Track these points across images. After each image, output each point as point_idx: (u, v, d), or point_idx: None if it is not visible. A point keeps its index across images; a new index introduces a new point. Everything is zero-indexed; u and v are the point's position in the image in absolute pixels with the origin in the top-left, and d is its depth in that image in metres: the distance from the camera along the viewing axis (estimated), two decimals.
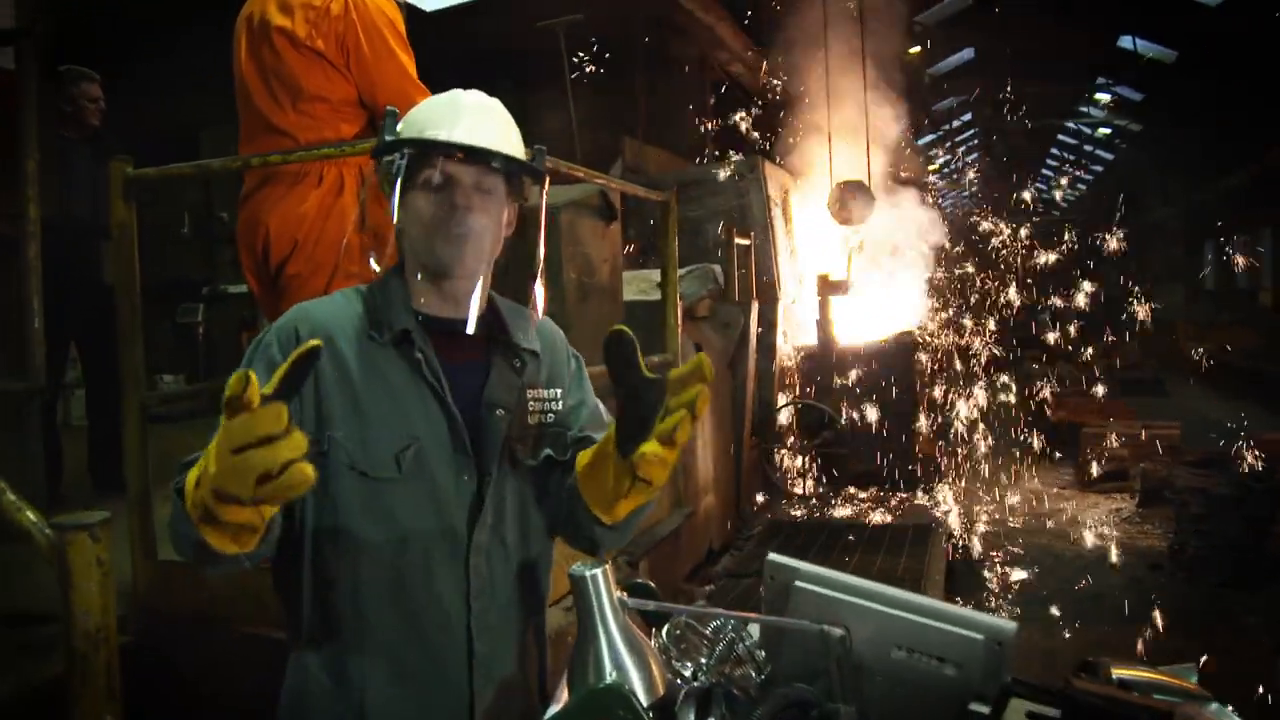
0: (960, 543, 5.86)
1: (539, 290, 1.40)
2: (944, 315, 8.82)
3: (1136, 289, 12.49)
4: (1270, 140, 13.83)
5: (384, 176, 1.36)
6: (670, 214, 3.79)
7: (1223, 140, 16.13)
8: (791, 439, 6.34)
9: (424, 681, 1.31)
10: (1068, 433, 8.84)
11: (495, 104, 1.38)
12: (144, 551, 2.58)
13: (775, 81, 8.98)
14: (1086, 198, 30.09)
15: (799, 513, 5.82)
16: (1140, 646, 4.47)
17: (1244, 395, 12.43)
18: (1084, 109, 21.78)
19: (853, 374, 6.43)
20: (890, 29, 8.83)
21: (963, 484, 7.43)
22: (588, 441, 1.40)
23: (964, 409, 7.93)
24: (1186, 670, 1.44)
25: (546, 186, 1.42)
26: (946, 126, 21.85)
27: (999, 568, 5.75)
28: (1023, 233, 12.98)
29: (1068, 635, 4.58)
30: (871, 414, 6.39)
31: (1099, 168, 28.47)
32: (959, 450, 7.84)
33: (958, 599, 4.83)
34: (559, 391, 1.46)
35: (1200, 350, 12.98)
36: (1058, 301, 13.85)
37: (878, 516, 5.59)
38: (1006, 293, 11.75)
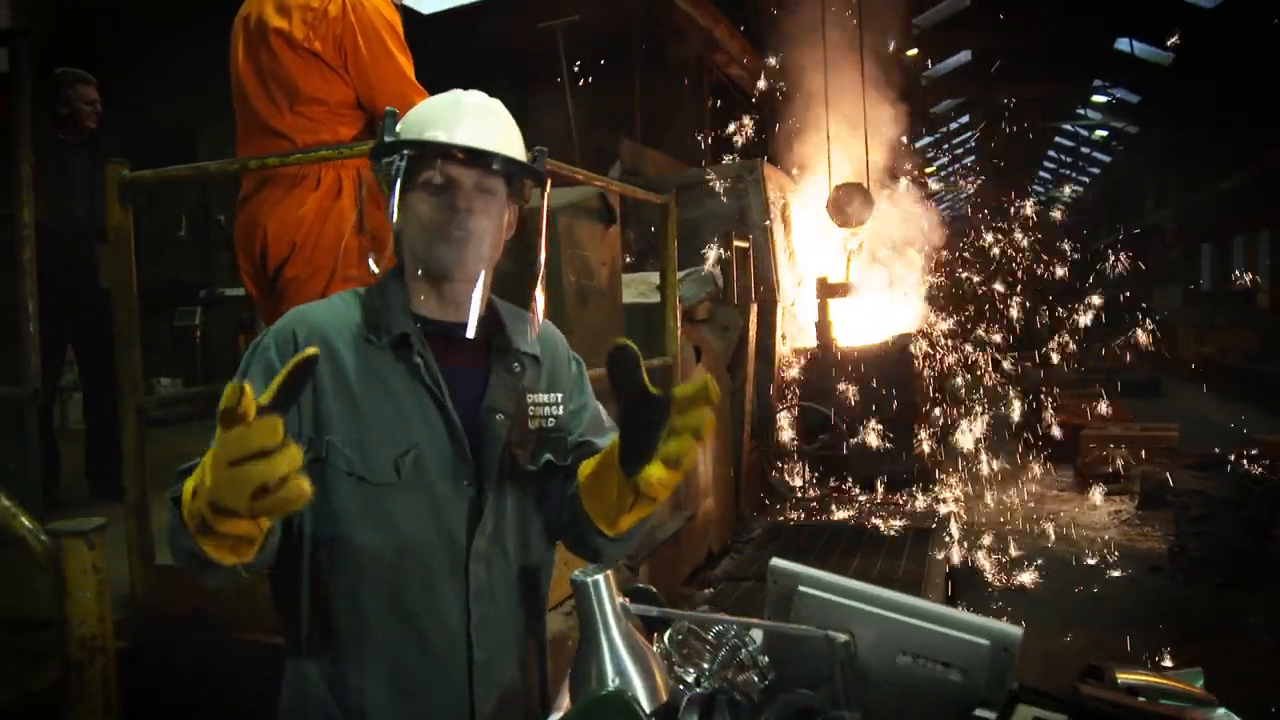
0: (960, 545, 5.85)
1: (539, 294, 1.38)
2: (943, 317, 8.81)
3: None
4: (1269, 141, 13.85)
5: (383, 178, 1.34)
6: (669, 217, 3.78)
7: (1221, 142, 16.16)
8: (791, 442, 6.33)
9: (424, 690, 1.30)
10: (1067, 435, 8.83)
11: (496, 104, 1.37)
12: (141, 556, 2.56)
13: (773, 83, 8.98)
14: (1084, 200, 30.14)
15: (798, 515, 5.81)
16: (1141, 649, 4.46)
17: (1242, 397, 12.45)
18: (1081, 111, 21.83)
19: (852, 376, 6.43)
20: (888, 31, 8.84)
21: (962, 486, 7.42)
22: (589, 447, 1.39)
23: (963, 411, 7.93)
24: (1192, 675, 1.44)
25: (548, 189, 1.41)
26: (944, 129, 21.89)
27: (999, 570, 5.74)
28: (1020, 235, 13.00)
29: (1068, 638, 4.57)
30: (871, 416, 6.39)
31: (1096, 170, 28.53)
32: (958, 452, 7.83)
33: (960, 603, 4.82)
34: (560, 396, 1.44)
35: (1201, 351, 13.00)
36: (1058, 305, 13.87)
37: (877, 519, 5.58)
38: (1005, 295, 11.76)
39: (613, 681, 1.08)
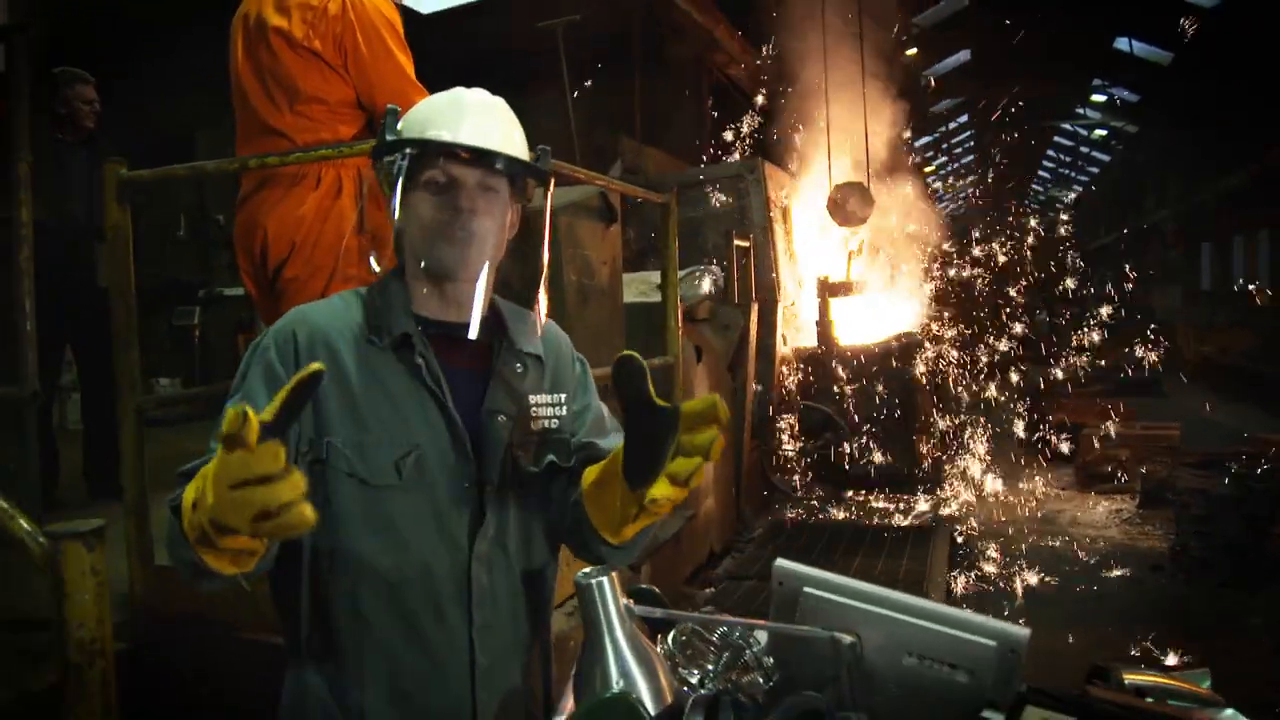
0: (961, 544, 5.84)
1: (543, 294, 1.37)
2: (944, 317, 8.81)
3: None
4: (1269, 140, 13.85)
5: (384, 177, 1.33)
6: (670, 216, 3.77)
7: (1220, 141, 16.16)
8: (792, 441, 6.33)
9: (425, 694, 1.28)
10: (1068, 433, 8.83)
11: (499, 102, 1.35)
12: (140, 556, 2.55)
13: (773, 83, 8.98)
14: (1083, 199, 30.16)
15: (799, 515, 5.81)
16: (1142, 648, 4.46)
17: (1242, 396, 12.45)
18: (1081, 110, 21.84)
19: (854, 375, 6.42)
20: (887, 29, 8.84)
21: (963, 485, 7.42)
22: (592, 449, 1.38)
23: (965, 410, 7.93)
24: (1199, 675, 1.43)
25: (551, 188, 1.39)
26: (943, 128, 21.90)
27: (1000, 569, 5.73)
28: (1022, 237, 13.01)
29: (1070, 637, 4.56)
30: (872, 416, 6.38)
31: (1095, 170, 28.55)
32: (959, 451, 7.83)
33: (964, 604, 4.81)
34: (563, 397, 1.42)
35: (1201, 351, 13.01)
36: (1058, 299, 13.89)
37: (879, 518, 5.58)
38: (1004, 294, 11.77)
39: (617, 684, 1.07)
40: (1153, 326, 12.99)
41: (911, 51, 12.13)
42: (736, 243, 5.74)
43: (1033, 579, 5.60)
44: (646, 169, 6.74)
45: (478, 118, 1.30)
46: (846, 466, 6.34)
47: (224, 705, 2.25)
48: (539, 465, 1.36)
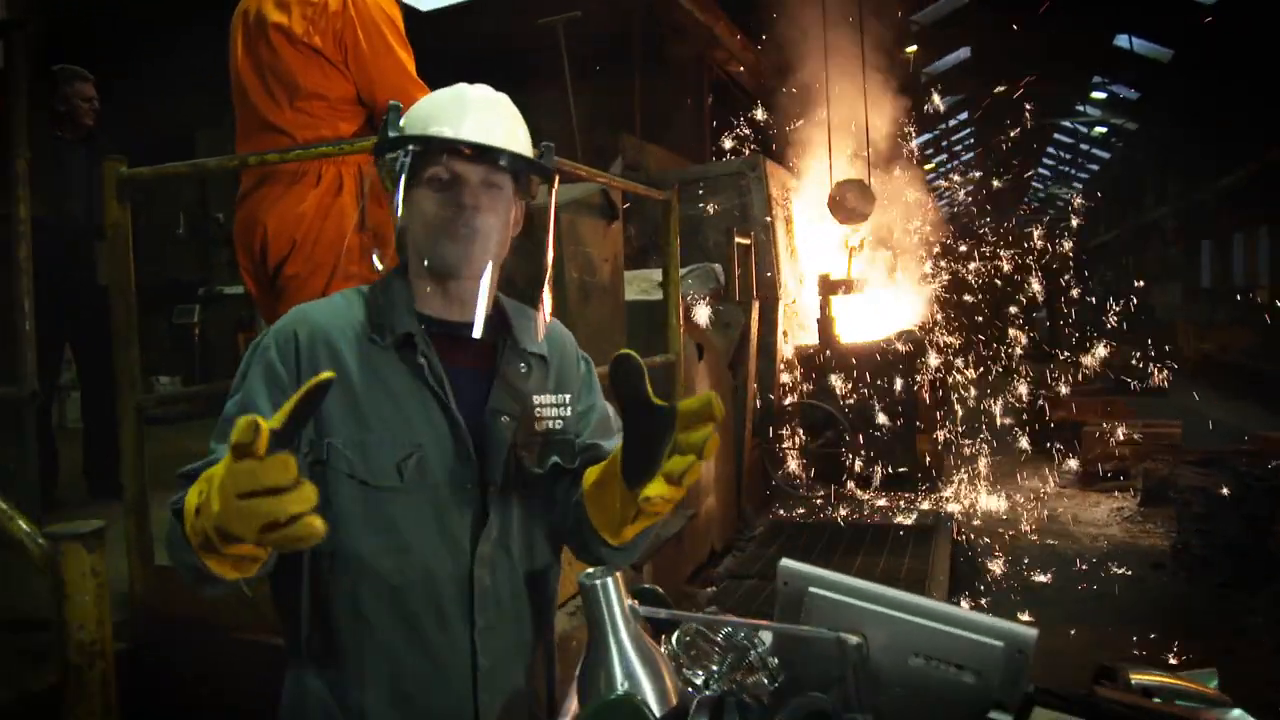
0: (963, 543, 5.84)
1: (547, 293, 1.35)
2: (945, 315, 8.81)
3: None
4: (1269, 138, 13.84)
5: (387, 174, 1.31)
6: (672, 213, 3.75)
7: (1220, 139, 16.16)
8: (793, 439, 6.32)
9: (426, 696, 1.27)
10: (1068, 432, 8.83)
11: (502, 98, 1.34)
12: (141, 556, 2.54)
13: (773, 80, 8.97)
14: (1083, 197, 30.15)
15: (801, 513, 5.80)
16: (1144, 647, 4.45)
17: (1242, 394, 12.45)
18: (1080, 108, 21.82)
19: (855, 373, 6.42)
20: (888, 28, 8.83)
21: (965, 484, 7.41)
22: (596, 450, 1.36)
23: (966, 408, 7.93)
24: (1206, 675, 1.42)
25: (556, 185, 1.37)
26: (942, 126, 21.88)
27: (1001, 568, 5.73)
28: (1018, 233, 13.00)
29: (1072, 636, 4.56)
30: (873, 413, 6.37)
31: (1095, 167, 28.55)
32: (961, 450, 7.83)
33: (971, 601, 4.81)
34: (568, 397, 1.41)
35: (1201, 349, 13.01)
36: (1055, 298, 13.88)
37: (880, 517, 5.57)
38: (1005, 294, 11.76)
39: (622, 685, 1.06)
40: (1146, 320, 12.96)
41: (911, 49, 12.12)
42: (737, 240, 5.72)
43: (1034, 577, 5.60)
44: (648, 166, 6.73)
45: (481, 114, 1.29)
46: (848, 464, 6.33)
47: (224, 706, 2.24)
48: (543, 466, 1.35)
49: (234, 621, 2.37)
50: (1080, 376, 10.98)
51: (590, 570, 1.11)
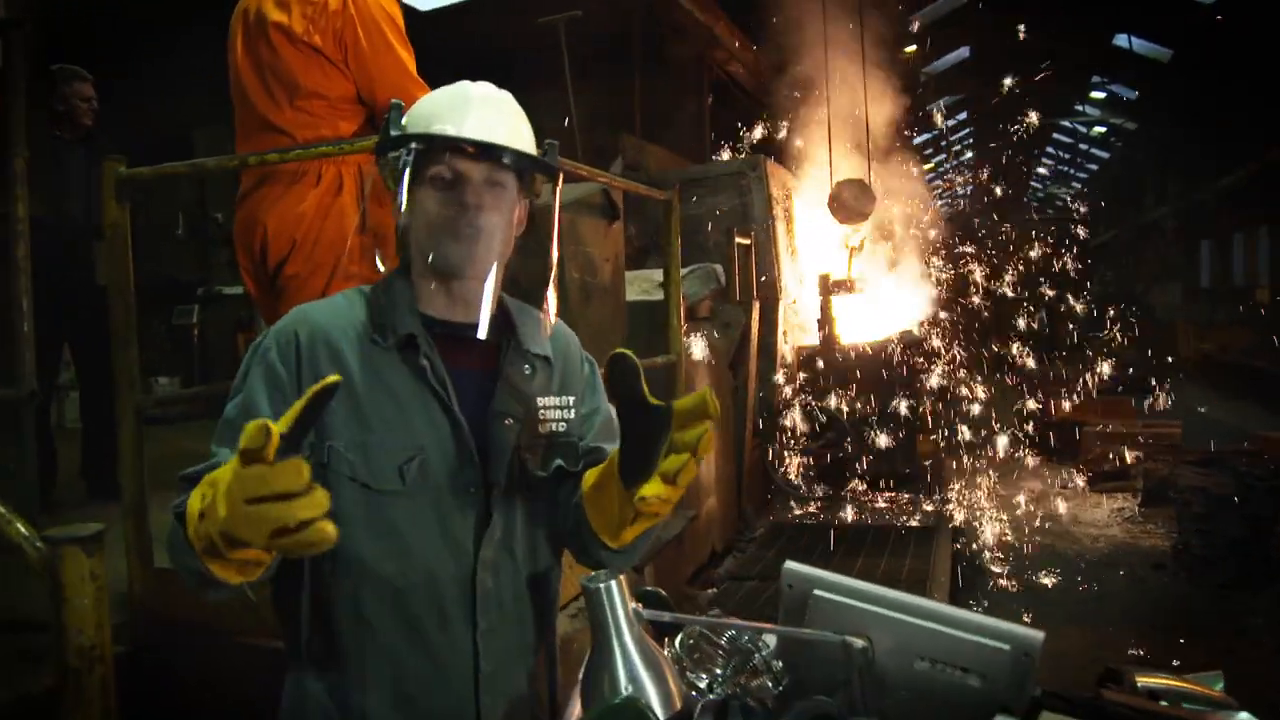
0: (964, 544, 5.83)
1: (551, 293, 1.34)
2: (945, 315, 8.81)
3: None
4: (1269, 138, 13.84)
5: (389, 173, 1.30)
6: (673, 213, 3.74)
7: (1220, 138, 16.16)
8: (794, 440, 6.31)
9: (428, 701, 1.26)
10: (1069, 432, 8.83)
11: (505, 96, 1.32)
12: (140, 558, 2.53)
13: (773, 80, 8.97)
14: (1082, 196, 30.16)
15: (801, 514, 5.79)
16: (1146, 649, 4.45)
17: (1242, 394, 12.45)
18: (1080, 107, 21.82)
19: (855, 374, 6.40)
20: (888, 27, 8.82)
21: (965, 484, 7.41)
22: (599, 453, 1.35)
23: (966, 409, 7.92)
24: (1213, 678, 1.42)
25: (560, 184, 1.36)
26: (941, 126, 21.86)
27: (1002, 568, 5.72)
28: (1019, 231, 13.00)
29: (1073, 637, 4.55)
30: (874, 415, 6.36)
31: (1094, 167, 28.55)
32: (962, 451, 7.82)
33: (972, 603, 4.81)
34: (572, 400, 1.39)
35: (1201, 348, 13.00)
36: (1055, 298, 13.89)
37: (881, 518, 5.56)
38: (1005, 294, 11.76)
39: (625, 689, 1.05)
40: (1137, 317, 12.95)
41: (910, 48, 12.12)
42: (738, 240, 5.71)
43: (1035, 578, 5.59)
44: (648, 166, 6.72)
45: (484, 111, 1.27)
46: (848, 465, 6.32)
47: (224, 709, 2.22)
48: (546, 469, 1.34)
49: (234, 624, 2.36)
50: (1080, 378, 10.98)
51: (594, 573, 1.10)
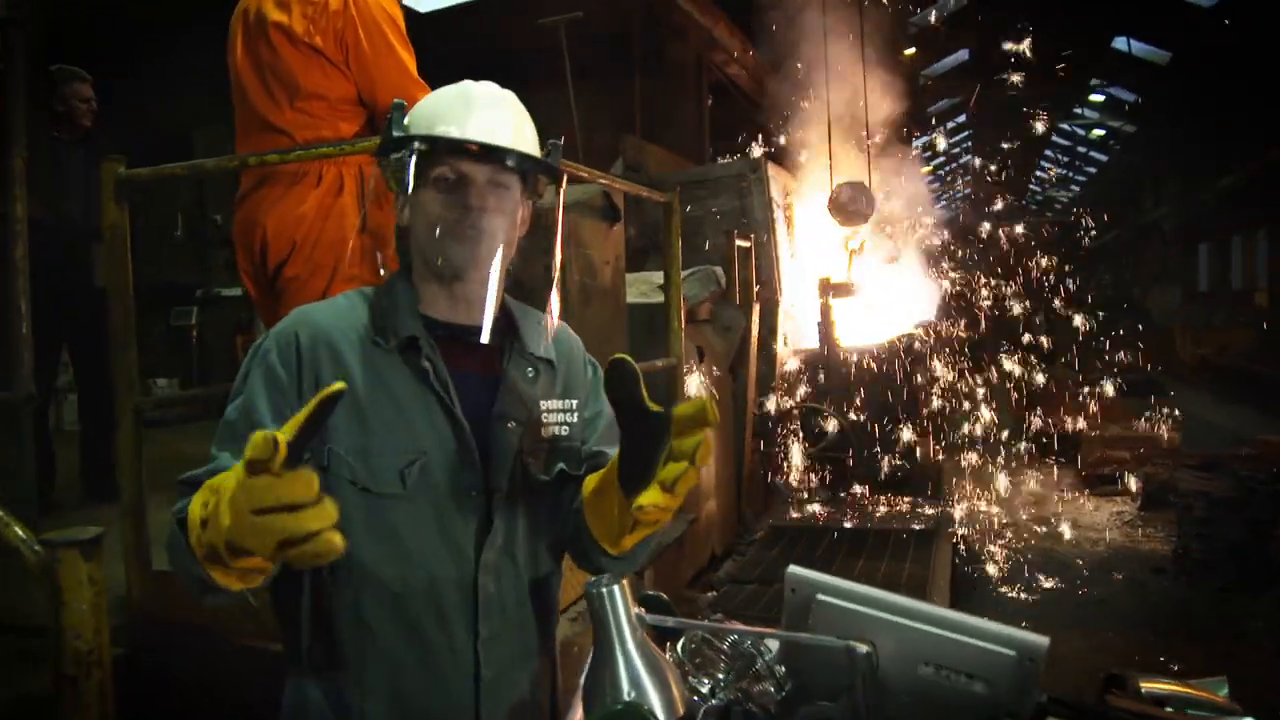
0: (963, 547, 5.82)
1: (555, 295, 1.33)
2: (943, 318, 8.81)
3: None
4: (1269, 140, 13.85)
5: (391, 174, 1.28)
6: (673, 215, 3.73)
7: (1219, 141, 16.18)
8: (793, 443, 6.30)
9: (428, 706, 1.25)
10: (1068, 436, 8.82)
11: (508, 96, 1.31)
12: (138, 560, 2.52)
13: (773, 81, 8.97)
14: (1081, 199, 30.19)
15: (801, 518, 5.78)
16: (1146, 653, 4.44)
17: (1241, 397, 12.45)
18: (1078, 110, 21.84)
19: (855, 377, 6.40)
20: (888, 29, 8.83)
21: (965, 488, 7.40)
22: (602, 457, 1.34)
23: (965, 412, 7.92)
24: (1217, 683, 1.41)
25: (564, 185, 1.35)
26: (941, 128, 21.89)
27: (1002, 572, 5.71)
28: (1018, 234, 13.01)
29: (1073, 641, 4.54)
30: (874, 417, 6.35)
31: (1093, 169, 28.57)
32: (961, 454, 7.81)
33: (976, 608, 4.80)
34: (575, 403, 1.38)
35: (1199, 352, 13.01)
36: (1056, 304, 13.89)
37: (881, 521, 5.55)
38: (1003, 296, 11.76)
39: (628, 694, 1.04)
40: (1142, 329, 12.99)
41: (909, 51, 12.13)
42: (738, 242, 5.70)
43: (1034, 582, 5.59)
44: (648, 167, 6.71)
45: (487, 112, 1.26)
46: (848, 469, 6.31)
47: (222, 712, 2.22)
48: (549, 473, 1.32)
49: (233, 627, 2.35)
50: (1079, 382, 10.99)
51: (597, 577, 1.09)
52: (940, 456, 7.00)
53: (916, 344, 6.95)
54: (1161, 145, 19.87)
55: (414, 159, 1.24)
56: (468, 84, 1.30)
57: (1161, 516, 6.70)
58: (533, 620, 1.34)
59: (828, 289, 6.57)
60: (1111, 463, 7.98)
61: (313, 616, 1.25)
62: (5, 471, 2.69)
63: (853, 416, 6.35)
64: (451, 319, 1.31)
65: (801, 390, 6.53)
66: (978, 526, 6.63)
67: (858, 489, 6.24)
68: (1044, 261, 14.18)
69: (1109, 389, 10.29)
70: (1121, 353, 12.92)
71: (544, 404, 1.34)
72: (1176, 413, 8.49)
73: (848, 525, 5.49)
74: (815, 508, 5.95)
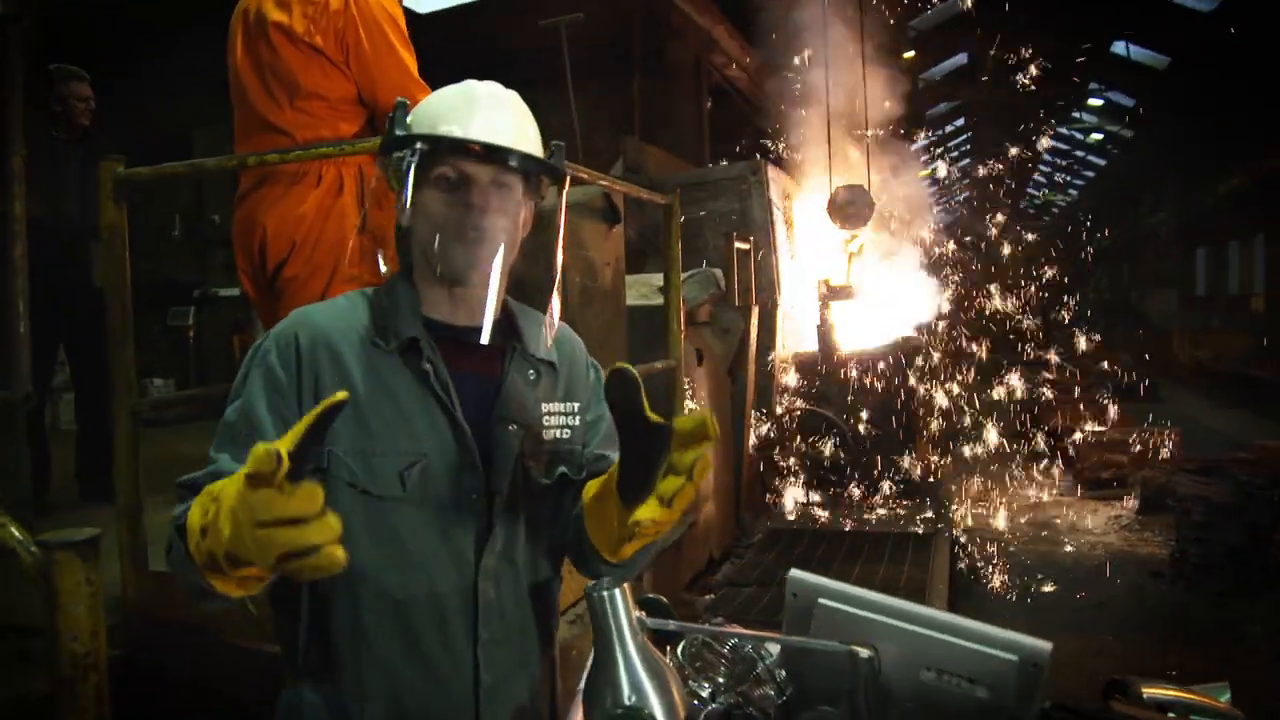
0: (961, 551, 5.82)
1: (556, 297, 1.31)
2: (942, 321, 8.82)
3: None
4: (1268, 144, 13.89)
5: (393, 174, 1.27)
6: (673, 217, 3.72)
7: (1218, 145, 16.21)
8: (793, 445, 6.30)
9: (427, 713, 1.23)
10: (1066, 439, 8.82)
11: (511, 96, 1.30)
12: (134, 561, 2.51)
13: (773, 83, 8.98)
14: (1079, 203, 30.25)
15: (799, 520, 5.77)
16: (1145, 657, 4.44)
17: (1238, 402, 12.47)
18: (1077, 114, 21.89)
19: (854, 380, 6.40)
20: (887, 32, 8.84)
21: (963, 491, 7.40)
22: (604, 461, 1.32)
23: (963, 416, 7.92)
24: (1219, 689, 1.41)
25: (567, 186, 1.33)
26: (939, 131, 21.94)
27: (1000, 576, 5.71)
28: (1015, 238, 13.03)
29: (1071, 645, 4.54)
30: (873, 421, 6.35)
31: (1090, 174, 28.64)
32: (959, 457, 7.82)
33: (966, 613, 4.79)
34: (576, 406, 1.37)
35: (1196, 355, 13.04)
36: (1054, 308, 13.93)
37: (879, 525, 5.55)
38: (1001, 300, 11.78)
39: (629, 699, 1.03)
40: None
41: (909, 54, 12.14)
42: (737, 245, 5.69)
43: (1032, 586, 5.58)
44: (648, 168, 6.71)
45: (490, 111, 1.25)
46: (847, 472, 6.31)
47: (218, 712, 2.21)
48: (550, 477, 1.31)
49: (229, 628, 2.34)
50: (1076, 386, 11.00)
51: (597, 580, 1.08)
52: (938, 459, 7.00)
53: (915, 347, 6.94)
54: (1160, 149, 19.92)
55: (416, 158, 1.22)
56: (471, 83, 1.29)
57: (1159, 520, 6.69)
58: (533, 625, 1.33)
59: (827, 291, 6.57)
60: (1109, 466, 7.97)
61: (310, 621, 1.24)
62: (2, 471, 2.68)
63: (852, 419, 6.35)
64: (453, 320, 1.29)
65: (801, 393, 6.53)
66: (975, 530, 6.63)
67: (856, 492, 6.24)
68: (1043, 267, 14.22)
69: (1106, 392, 10.31)
70: (1116, 355, 12.94)
71: (545, 407, 1.33)
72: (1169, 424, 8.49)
73: (846, 528, 5.49)
74: (814, 511, 5.95)
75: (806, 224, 7.40)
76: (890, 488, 6.25)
